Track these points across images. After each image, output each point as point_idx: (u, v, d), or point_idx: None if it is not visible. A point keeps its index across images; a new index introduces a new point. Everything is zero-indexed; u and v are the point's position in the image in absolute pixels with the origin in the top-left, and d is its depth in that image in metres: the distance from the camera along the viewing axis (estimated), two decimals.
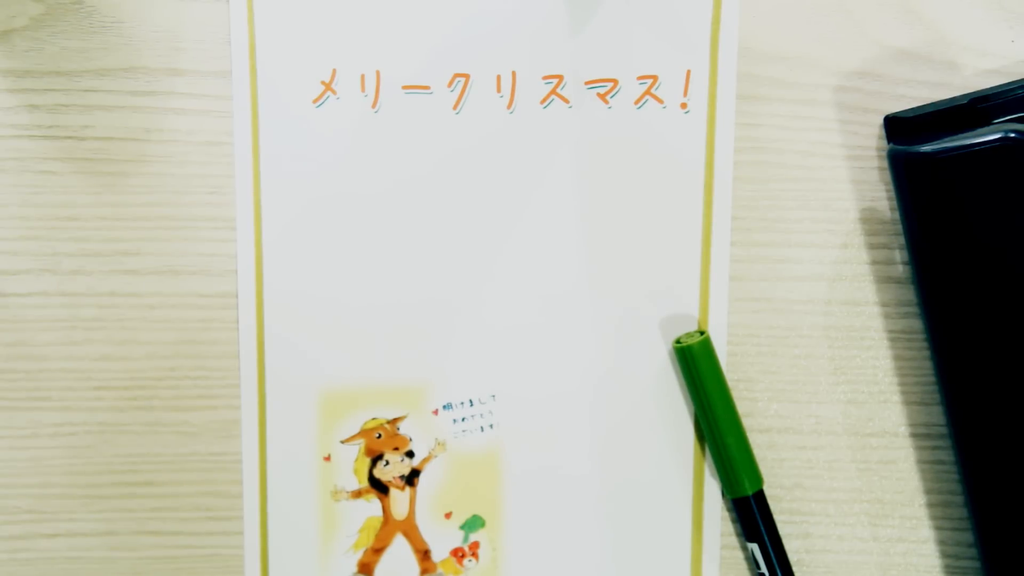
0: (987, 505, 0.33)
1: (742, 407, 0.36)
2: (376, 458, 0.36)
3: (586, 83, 0.35)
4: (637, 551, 0.36)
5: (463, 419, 0.36)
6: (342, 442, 0.36)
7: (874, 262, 0.36)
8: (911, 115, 0.34)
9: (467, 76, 0.35)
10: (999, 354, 0.32)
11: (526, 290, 0.36)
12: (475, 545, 0.36)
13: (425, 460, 0.36)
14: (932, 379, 0.36)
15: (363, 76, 0.35)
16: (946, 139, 0.31)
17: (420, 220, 0.35)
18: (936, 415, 0.36)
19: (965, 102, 0.33)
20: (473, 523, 0.36)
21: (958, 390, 0.33)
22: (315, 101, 0.35)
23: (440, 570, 0.37)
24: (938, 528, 0.36)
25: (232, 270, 0.36)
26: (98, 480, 0.36)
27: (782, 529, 0.36)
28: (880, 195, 0.35)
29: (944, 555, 0.36)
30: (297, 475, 0.36)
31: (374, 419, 0.36)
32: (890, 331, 0.36)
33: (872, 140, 0.35)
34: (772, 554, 0.35)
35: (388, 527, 0.36)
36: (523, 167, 0.35)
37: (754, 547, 0.35)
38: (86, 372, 0.36)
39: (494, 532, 0.36)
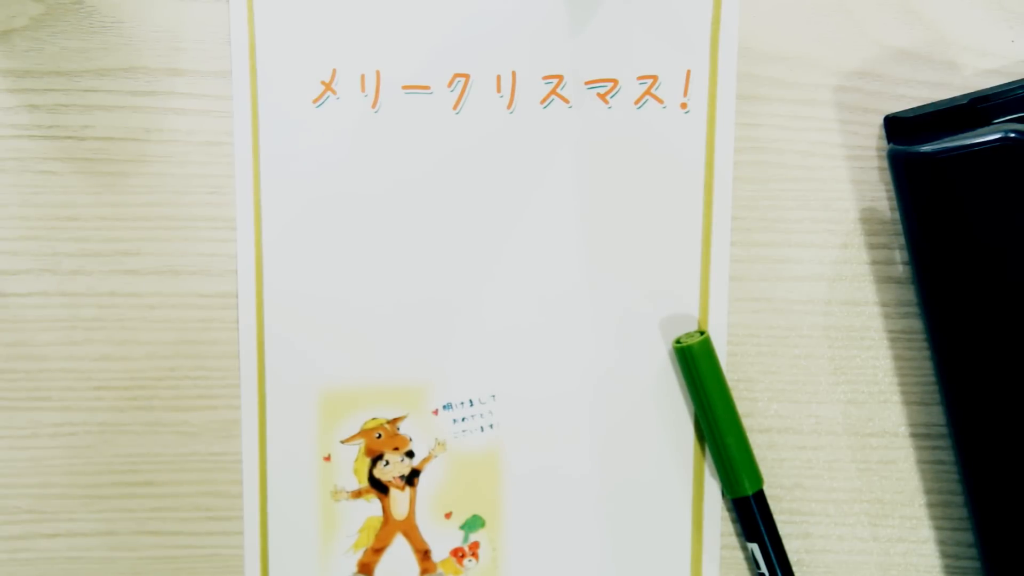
0: (987, 505, 0.33)
1: (742, 407, 0.36)
2: (376, 458, 0.36)
3: (586, 83, 0.35)
4: (637, 551, 0.36)
5: (463, 419, 0.36)
6: (342, 442, 0.36)
7: (874, 262, 0.36)
8: (911, 115, 0.34)
9: (467, 76, 0.35)
10: (999, 354, 0.32)
11: (526, 290, 0.36)
12: (475, 545, 0.36)
13: (425, 460, 0.36)
14: (932, 379, 0.36)
15: (363, 76, 0.35)
16: (946, 139, 0.31)
17: (420, 220, 0.35)
18: (936, 415, 0.36)
19: (965, 102, 0.33)
20: (473, 523, 0.36)
21: (958, 390, 0.33)
22: (315, 101, 0.35)
23: (440, 570, 0.37)
24: (938, 528, 0.36)
25: (232, 270, 0.36)
26: (98, 480, 0.36)
27: (782, 529, 0.36)
28: (880, 195, 0.35)
29: (944, 555, 0.36)
30: (297, 475, 0.36)
31: (374, 419, 0.36)
32: (890, 331, 0.36)
33: (872, 140, 0.35)
34: (772, 554, 0.35)
35: (388, 527, 0.36)
36: (523, 167, 0.35)
37: (754, 547, 0.35)
38: (86, 372, 0.36)
39: (494, 532, 0.36)
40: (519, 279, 0.36)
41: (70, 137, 0.35)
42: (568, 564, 0.36)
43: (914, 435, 0.36)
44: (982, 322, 0.32)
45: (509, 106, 0.35)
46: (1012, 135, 0.30)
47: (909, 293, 0.36)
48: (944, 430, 0.36)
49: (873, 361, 0.36)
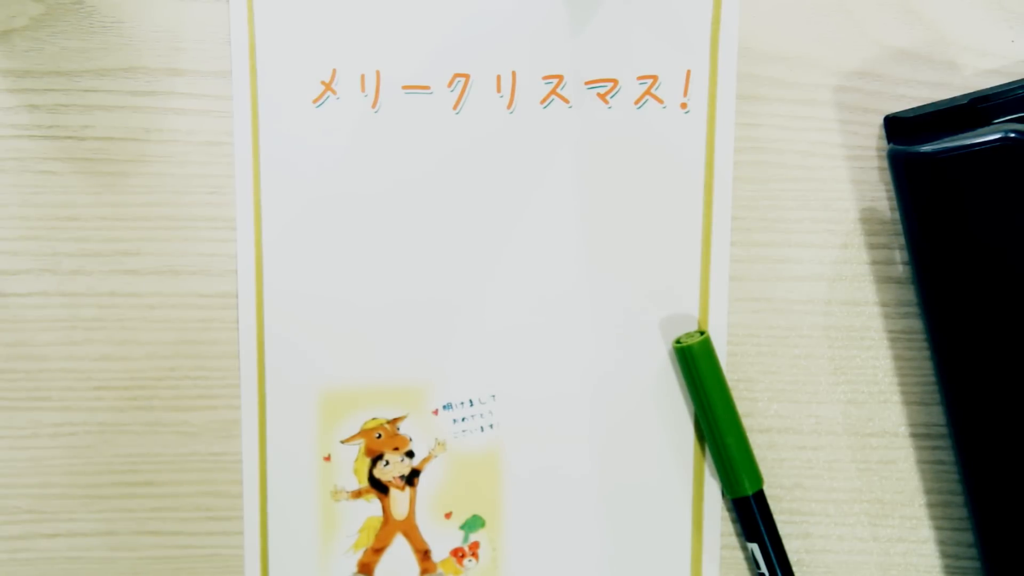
0: (987, 505, 0.33)
1: (742, 407, 0.36)
2: (376, 458, 0.36)
3: (586, 83, 0.35)
4: (637, 551, 0.36)
5: (463, 419, 0.36)
6: (342, 442, 0.36)
7: (874, 262, 0.36)
8: (911, 115, 0.34)
9: (467, 76, 0.35)
10: (999, 354, 0.32)
11: (526, 290, 0.36)
12: (475, 545, 0.36)
13: (425, 460, 0.36)
14: (932, 379, 0.36)
15: (363, 76, 0.35)
16: (946, 139, 0.31)
17: (420, 220, 0.35)
18: (936, 415, 0.36)
19: (965, 102, 0.33)
20: (473, 523, 0.36)
21: (958, 390, 0.33)
22: (315, 101, 0.35)
23: (440, 570, 0.37)
24: (938, 528, 0.36)
25: (232, 270, 0.36)
26: (98, 480, 0.36)
27: (782, 529, 0.36)
28: (880, 195, 0.35)
29: (944, 555, 0.36)
30: (297, 475, 0.36)
31: (374, 419, 0.36)
32: (890, 331, 0.36)
33: (872, 140, 0.35)
34: (772, 554, 0.35)
35: (388, 527, 0.36)
36: (523, 167, 0.35)
37: (754, 547, 0.35)
38: (86, 372, 0.36)
39: (494, 532, 0.36)
40: (519, 279, 0.36)
41: (70, 137, 0.35)
42: (568, 564, 0.36)
43: (914, 435, 0.36)
44: (982, 322, 0.32)
45: (509, 106, 0.35)
46: (1012, 135, 0.30)
47: (909, 293, 0.36)
48: (944, 430, 0.36)
49: (873, 361, 0.36)
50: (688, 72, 0.35)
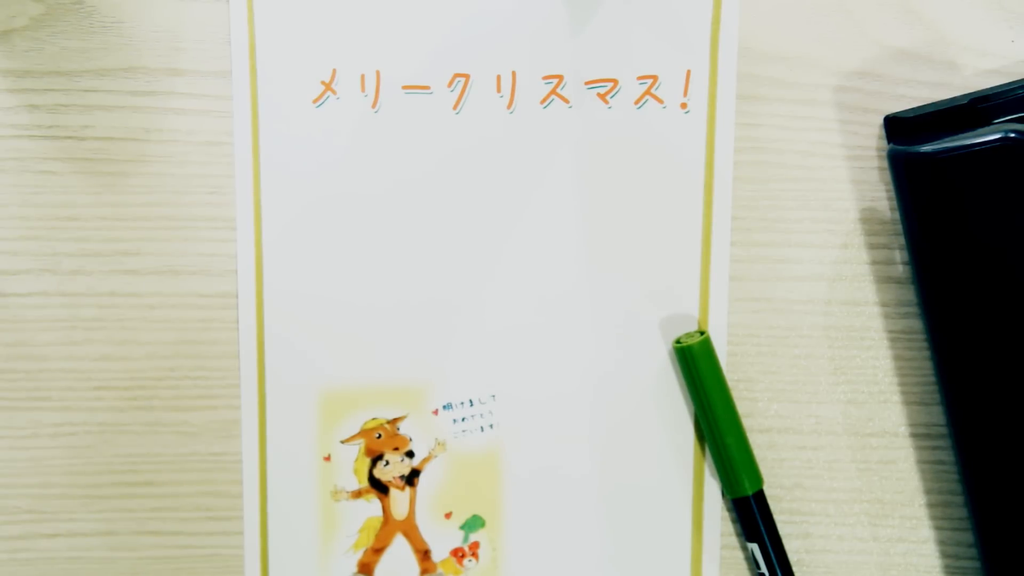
0: (987, 505, 0.33)
1: (742, 407, 0.36)
2: (376, 458, 0.36)
3: (586, 83, 0.35)
4: (637, 551, 0.36)
5: (463, 419, 0.36)
6: (342, 442, 0.36)
7: (874, 262, 0.36)
8: (911, 115, 0.34)
9: (467, 76, 0.35)
10: (999, 354, 0.32)
11: (526, 290, 0.36)
12: (475, 545, 0.36)
13: (425, 460, 0.36)
14: (932, 379, 0.36)
15: (363, 76, 0.35)
16: (946, 139, 0.31)
17: (420, 220, 0.35)
18: (936, 415, 0.36)
19: (965, 102, 0.33)
20: (473, 523, 0.36)
21: (958, 390, 0.33)
22: (315, 101, 0.35)
23: (440, 570, 0.37)
24: (938, 528, 0.36)
25: (232, 270, 0.36)
26: (98, 480, 0.36)
27: (782, 529, 0.36)
28: (880, 195, 0.35)
29: (944, 555, 0.36)
30: (297, 475, 0.36)
31: (374, 419, 0.36)
32: (890, 331, 0.36)
33: (872, 140, 0.35)
34: (772, 554, 0.35)
35: (388, 527, 0.36)
36: (523, 167, 0.35)
37: (754, 547, 0.35)
38: (86, 372, 0.36)
39: (494, 532, 0.36)
40: (519, 279, 0.36)
41: (70, 137, 0.35)
42: (568, 564, 0.36)
43: (914, 435, 0.36)
44: (982, 322, 0.32)
45: (509, 106, 0.35)
46: (1012, 135, 0.30)
47: (909, 293, 0.36)
48: (944, 430, 0.36)
49: (873, 361, 0.36)
50: (688, 72, 0.35)
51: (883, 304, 0.36)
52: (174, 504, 0.36)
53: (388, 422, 0.36)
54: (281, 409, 0.36)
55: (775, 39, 0.35)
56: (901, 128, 0.34)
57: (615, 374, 0.36)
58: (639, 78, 0.35)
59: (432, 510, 0.36)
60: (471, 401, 0.36)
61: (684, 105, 0.35)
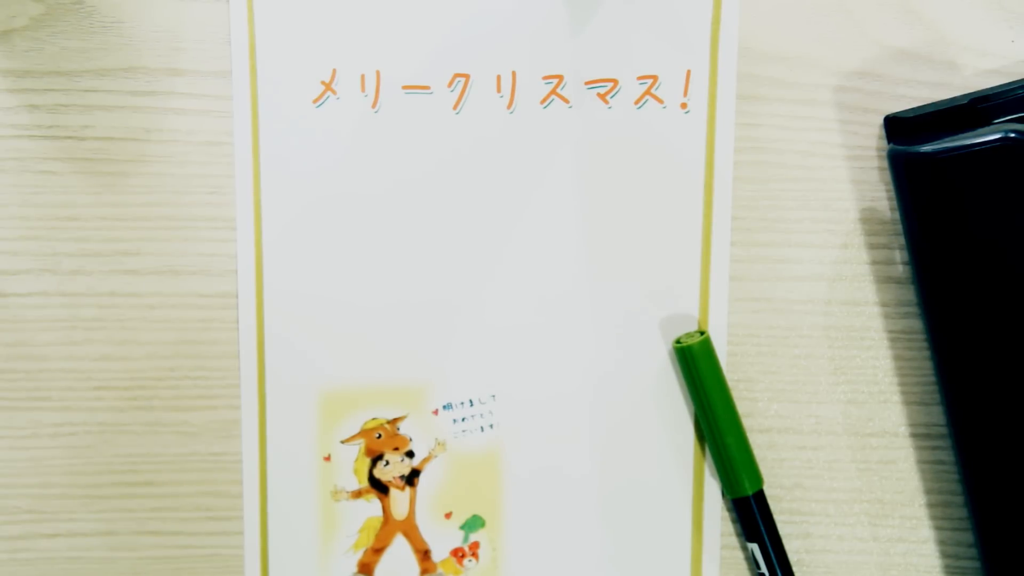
0: (987, 505, 0.33)
1: (742, 407, 0.36)
2: (376, 458, 0.36)
3: (586, 83, 0.35)
4: (637, 551, 0.36)
5: (463, 419, 0.36)
6: (342, 442, 0.36)
7: (874, 262, 0.36)
8: (911, 115, 0.34)
9: (467, 76, 0.35)
10: (999, 354, 0.32)
11: (526, 290, 0.36)
12: (475, 545, 0.36)
13: (425, 460, 0.36)
14: (932, 379, 0.36)
15: (363, 76, 0.35)
16: (946, 139, 0.31)
17: (420, 220, 0.35)
18: (936, 415, 0.36)
19: (965, 102, 0.33)
20: (473, 523, 0.36)
21: (958, 390, 0.33)
22: (315, 101, 0.35)
23: (440, 570, 0.37)
24: (938, 528, 0.36)
25: (232, 270, 0.36)
26: (98, 480, 0.36)
27: (782, 529, 0.36)
28: (880, 195, 0.35)
29: (944, 555, 0.36)
30: (297, 475, 0.36)
31: (374, 419, 0.36)
32: (890, 331, 0.36)
33: (872, 140, 0.35)
34: (772, 554, 0.35)
35: (388, 527, 0.36)
36: (523, 167, 0.35)
37: (754, 547, 0.35)
38: (86, 372, 0.36)
39: (494, 532, 0.36)
40: (519, 279, 0.36)
41: (70, 137, 0.35)
42: (568, 564, 0.36)
43: (914, 435, 0.36)
44: (982, 322, 0.32)
45: (509, 106, 0.35)
46: (1012, 135, 0.30)
47: (909, 293, 0.36)
48: (944, 430, 0.36)
49: (873, 361, 0.36)
50: (688, 72, 0.35)
51: (883, 304, 0.36)
52: (174, 504, 0.36)
53: (388, 422, 0.36)
54: (281, 409, 0.36)
55: (775, 39, 0.35)
56: (901, 128, 0.34)
57: (615, 374, 0.36)
58: (639, 78, 0.35)
59: (432, 510, 0.36)
60: (471, 401, 0.36)
61: (684, 105, 0.35)
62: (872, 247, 0.36)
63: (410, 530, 0.36)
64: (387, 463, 0.36)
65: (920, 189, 0.32)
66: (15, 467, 0.36)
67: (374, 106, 0.35)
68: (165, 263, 0.35)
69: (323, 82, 0.35)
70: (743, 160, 0.35)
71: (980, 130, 0.31)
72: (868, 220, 0.35)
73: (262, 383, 0.36)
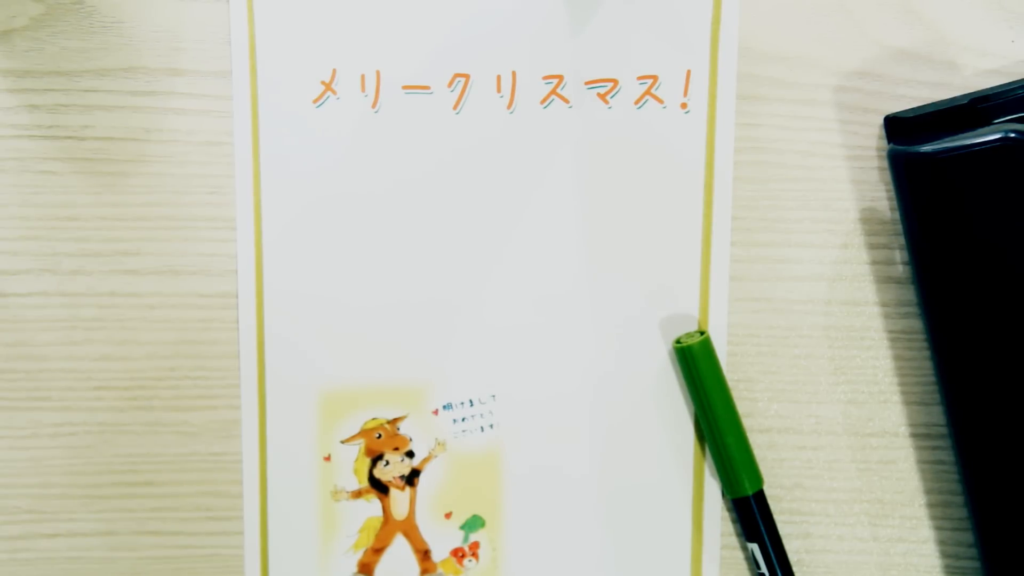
0: (987, 505, 0.33)
1: (742, 407, 0.36)
2: (376, 458, 0.36)
3: (586, 83, 0.35)
4: (637, 551, 0.36)
5: (463, 419, 0.36)
6: (342, 442, 0.36)
7: (874, 262, 0.36)
8: (911, 115, 0.34)
9: (467, 76, 0.35)
10: (999, 354, 0.32)
11: (526, 290, 0.36)
12: (475, 545, 0.36)
13: (425, 460, 0.36)
14: (932, 379, 0.36)
15: (363, 76, 0.35)
16: (946, 139, 0.31)
17: (420, 220, 0.35)
18: (936, 415, 0.36)
19: (965, 102, 0.33)
20: (473, 523, 0.36)
21: (958, 390, 0.33)
22: (315, 101, 0.35)
23: (440, 570, 0.37)
24: (938, 528, 0.36)
25: (232, 270, 0.36)
26: (98, 480, 0.36)
27: (782, 529, 0.36)
28: (880, 195, 0.35)
29: (944, 555, 0.36)
30: (297, 475, 0.36)
31: (374, 419, 0.36)
32: (890, 331, 0.36)
33: (872, 140, 0.35)
34: (772, 554, 0.35)
35: (388, 527, 0.36)
36: (523, 167, 0.35)
37: (754, 547, 0.35)
38: (86, 372, 0.36)
39: (494, 532, 0.36)
40: (519, 279, 0.36)
41: (70, 137, 0.35)
42: (568, 564, 0.36)
43: (914, 435, 0.36)
44: (982, 322, 0.32)
45: (509, 106, 0.35)
46: (1012, 135, 0.30)
47: (909, 293, 0.36)
48: (944, 430, 0.36)
49: (873, 361, 0.36)
50: (688, 72, 0.35)
51: (883, 304, 0.36)
52: (174, 504, 0.36)
53: (388, 422, 0.36)
54: (281, 409, 0.36)
55: (775, 39, 0.35)
56: (901, 128, 0.34)
57: (615, 374, 0.36)
58: (639, 78, 0.35)
59: (432, 510, 0.36)
60: (471, 401, 0.36)
61: (684, 105, 0.35)
62: (872, 247, 0.36)
63: (410, 530, 0.36)
64: (387, 463, 0.36)
65: (920, 189, 0.32)
66: (15, 467, 0.36)
67: (374, 106, 0.35)
68: (165, 263, 0.35)
69: (323, 82, 0.35)
70: (743, 160, 0.35)
71: (980, 130, 0.31)
72: (868, 220, 0.35)
73: (262, 383, 0.36)
